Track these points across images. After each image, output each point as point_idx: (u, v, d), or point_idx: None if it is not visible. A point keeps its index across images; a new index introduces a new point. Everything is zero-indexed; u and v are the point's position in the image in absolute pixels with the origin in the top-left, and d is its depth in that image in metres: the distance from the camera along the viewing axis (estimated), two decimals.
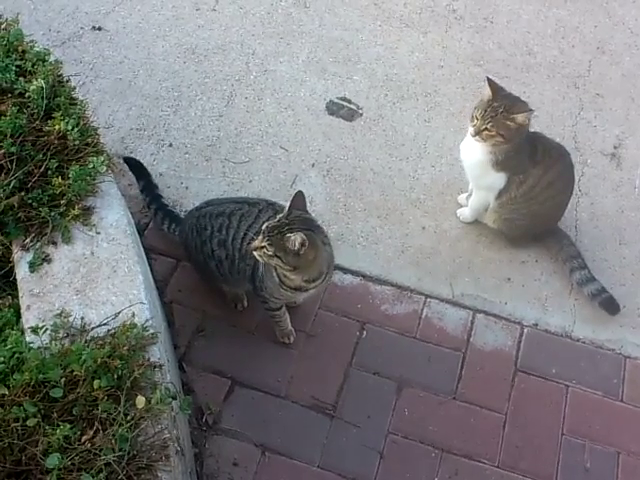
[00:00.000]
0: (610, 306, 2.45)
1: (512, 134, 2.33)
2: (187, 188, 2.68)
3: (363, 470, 2.14)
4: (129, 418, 1.54)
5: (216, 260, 2.24)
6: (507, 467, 2.17)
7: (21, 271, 1.80)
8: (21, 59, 2.05)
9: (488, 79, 2.37)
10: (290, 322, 2.32)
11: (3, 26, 2.12)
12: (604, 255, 2.62)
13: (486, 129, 2.33)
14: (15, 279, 1.81)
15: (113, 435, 1.50)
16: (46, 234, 1.83)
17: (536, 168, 2.42)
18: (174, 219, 2.47)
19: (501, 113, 2.31)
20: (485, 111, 2.33)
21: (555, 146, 2.52)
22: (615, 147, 2.91)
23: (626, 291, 2.53)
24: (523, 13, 3.34)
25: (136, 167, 2.59)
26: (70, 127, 1.90)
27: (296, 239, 1.92)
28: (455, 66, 3.12)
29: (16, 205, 1.83)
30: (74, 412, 1.53)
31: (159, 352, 1.71)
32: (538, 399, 2.30)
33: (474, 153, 2.44)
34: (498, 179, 2.45)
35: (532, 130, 2.45)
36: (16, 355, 1.57)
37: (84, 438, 1.49)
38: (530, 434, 2.23)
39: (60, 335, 1.66)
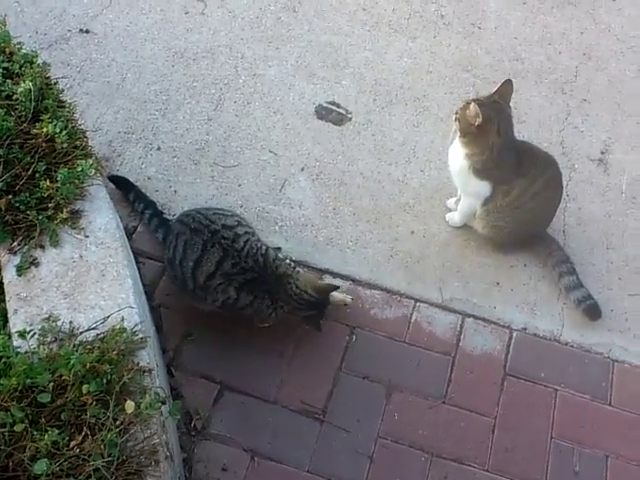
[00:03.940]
0: (592, 313, 2.46)
1: (466, 129, 2.36)
2: (175, 192, 2.67)
3: (353, 474, 2.13)
4: (118, 423, 1.53)
5: (170, 276, 2.34)
6: (497, 471, 2.18)
7: (8, 275, 1.78)
8: (8, 61, 2.04)
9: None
10: None
11: None
12: (591, 259, 2.64)
13: (456, 114, 2.39)
14: (2, 283, 1.79)
15: (102, 440, 1.49)
16: (34, 237, 1.82)
17: (521, 179, 2.42)
18: (169, 230, 2.41)
19: (464, 105, 2.37)
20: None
21: (542, 157, 2.51)
22: (602, 152, 2.93)
23: (613, 295, 2.55)
24: (511, 19, 3.36)
25: (122, 183, 2.58)
26: (58, 130, 1.89)
27: None
28: (443, 71, 3.14)
29: (3, 208, 1.81)
30: (62, 417, 1.52)
31: (148, 357, 1.70)
32: (527, 403, 2.30)
33: (456, 158, 2.47)
34: (482, 187, 2.46)
35: (522, 139, 2.47)
36: (3, 360, 1.56)
37: (73, 443, 1.48)
38: (519, 438, 2.23)
39: (48, 339, 1.64)
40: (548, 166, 2.50)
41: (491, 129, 2.35)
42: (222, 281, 2.17)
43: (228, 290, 2.18)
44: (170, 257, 2.26)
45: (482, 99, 2.39)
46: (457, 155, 2.45)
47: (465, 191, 2.54)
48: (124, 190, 2.58)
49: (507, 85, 2.39)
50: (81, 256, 1.82)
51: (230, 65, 3.07)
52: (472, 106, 2.31)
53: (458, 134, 2.41)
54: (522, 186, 2.43)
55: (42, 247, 1.82)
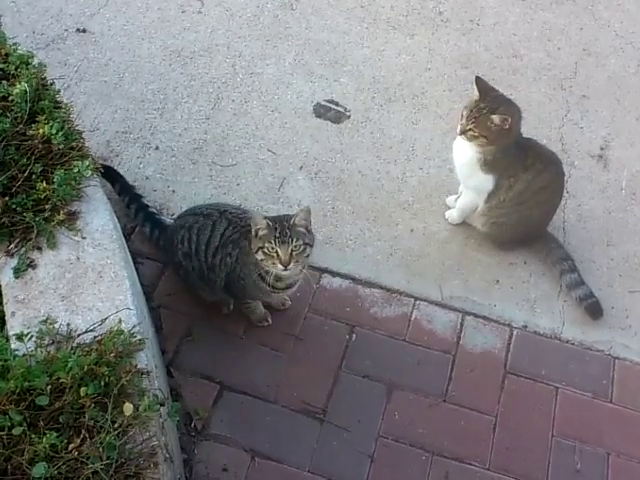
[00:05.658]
0: (594, 311, 2.45)
1: (494, 136, 2.33)
2: (174, 191, 2.66)
3: (354, 474, 2.13)
4: (117, 425, 1.52)
5: (184, 270, 2.30)
6: (498, 469, 2.17)
7: (5, 277, 1.77)
8: (4, 62, 2.03)
9: (477, 79, 2.38)
10: (263, 306, 2.35)
11: None
12: (592, 256, 2.63)
13: (470, 130, 2.34)
14: None
15: (100, 443, 1.48)
16: (31, 239, 1.81)
17: (526, 173, 2.42)
18: (156, 223, 2.46)
19: (484, 114, 2.31)
20: (471, 111, 2.34)
21: (547, 153, 2.51)
22: (602, 148, 2.92)
23: (614, 292, 2.54)
24: (509, 15, 3.35)
25: (108, 172, 2.52)
26: (54, 131, 1.88)
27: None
28: (442, 68, 3.12)
29: (0, 210, 1.80)
30: (61, 420, 1.51)
31: (146, 358, 1.69)
32: (528, 401, 2.30)
33: (464, 152, 2.45)
34: (486, 181, 2.45)
35: (525, 136, 2.46)
36: (1, 363, 1.55)
37: (71, 446, 1.47)
38: (520, 436, 2.23)
39: (46, 342, 1.63)
40: (552, 163, 2.49)
41: (512, 126, 2.33)
42: (224, 252, 2.17)
43: (232, 254, 2.17)
44: (186, 251, 2.25)
45: (487, 99, 2.35)
46: (465, 148, 2.42)
47: (468, 185, 2.53)
48: (110, 180, 2.50)
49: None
50: (78, 258, 1.81)
51: (228, 64, 3.06)
52: (496, 117, 2.29)
53: (477, 140, 2.35)
54: (526, 180, 2.42)
55: (39, 249, 1.81)
